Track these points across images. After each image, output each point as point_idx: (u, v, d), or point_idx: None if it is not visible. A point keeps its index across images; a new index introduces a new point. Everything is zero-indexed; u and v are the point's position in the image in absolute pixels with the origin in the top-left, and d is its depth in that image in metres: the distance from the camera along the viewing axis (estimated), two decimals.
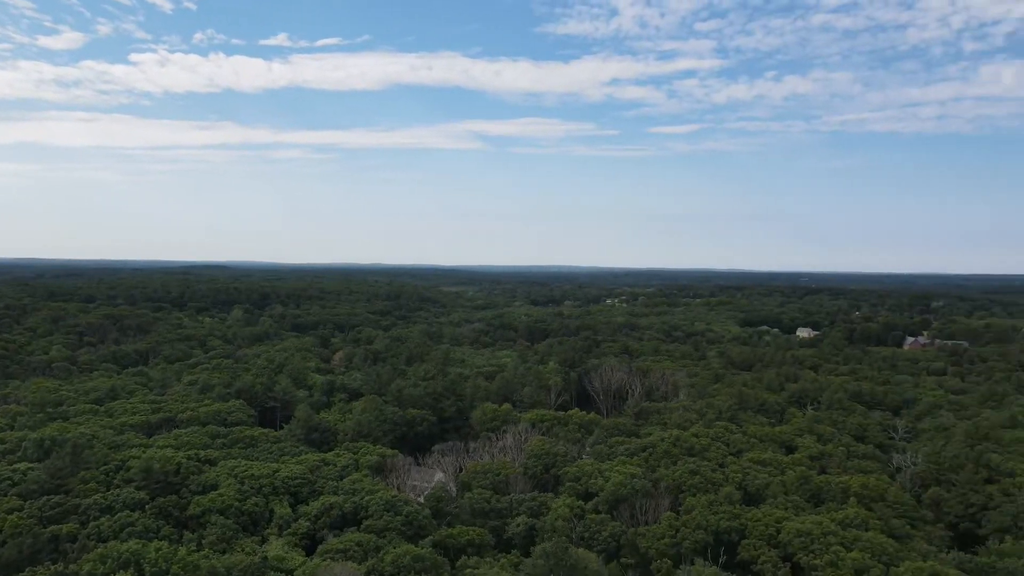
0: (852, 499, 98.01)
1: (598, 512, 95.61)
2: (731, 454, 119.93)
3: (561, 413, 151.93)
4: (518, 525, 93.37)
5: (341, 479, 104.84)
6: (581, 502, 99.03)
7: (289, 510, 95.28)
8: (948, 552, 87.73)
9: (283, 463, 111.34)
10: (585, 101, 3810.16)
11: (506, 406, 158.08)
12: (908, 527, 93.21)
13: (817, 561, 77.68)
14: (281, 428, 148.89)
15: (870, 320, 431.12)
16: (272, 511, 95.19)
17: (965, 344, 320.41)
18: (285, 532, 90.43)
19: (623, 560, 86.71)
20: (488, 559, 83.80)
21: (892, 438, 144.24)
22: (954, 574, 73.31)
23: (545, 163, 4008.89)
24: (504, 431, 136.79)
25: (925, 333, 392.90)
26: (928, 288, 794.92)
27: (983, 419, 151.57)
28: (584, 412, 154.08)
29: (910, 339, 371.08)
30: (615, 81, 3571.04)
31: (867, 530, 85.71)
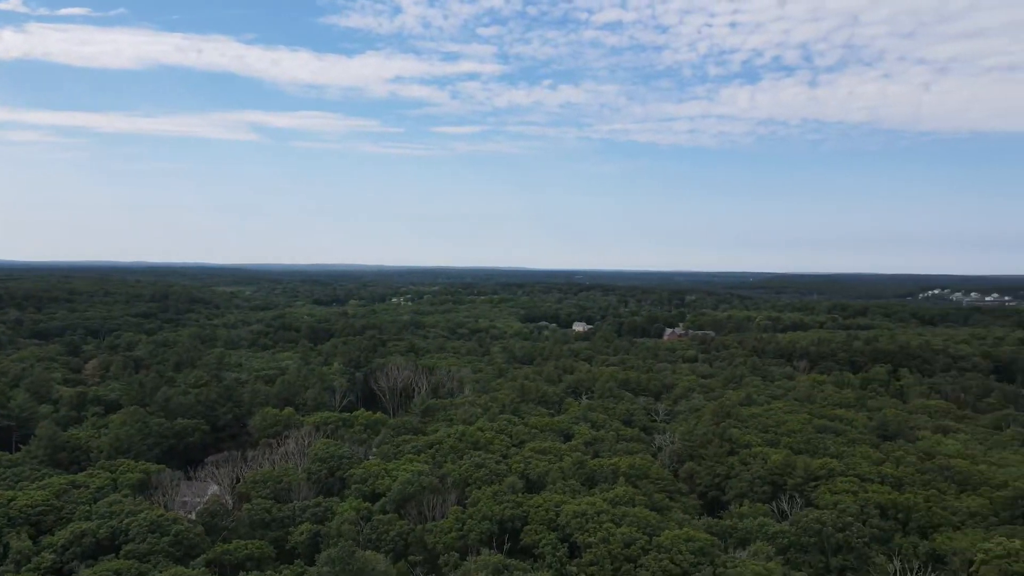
0: (621, 479, 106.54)
1: (385, 512, 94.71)
2: (514, 445, 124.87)
3: (347, 414, 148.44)
4: (302, 533, 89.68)
5: (95, 502, 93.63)
6: (368, 503, 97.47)
7: (29, 543, 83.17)
8: (700, 518, 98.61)
9: (21, 490, 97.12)
10: (369, 97, 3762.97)
11: (288, 410, 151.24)
12: (667, 500, 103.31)
13: (591, 539, 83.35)
14: (18, 450, 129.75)
15: (636, 314, 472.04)
16: (7, 545, 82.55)
17: (712, 334, 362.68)
18: (24, 568, 78.82)
19: (411, 558, 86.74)
20: (269, 572, 79.50)
21: (655, 420, 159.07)
22: (703, 536, 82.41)
23: (329, 159, 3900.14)
24: (286, 436, 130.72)
25: (681, 325, 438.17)
26: (683, 284, 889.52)
27: (726, 399, 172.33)
28: (370, 412, 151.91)
29: (668, 330, 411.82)
30: (399, 78, 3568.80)
31: (634, 506, 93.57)
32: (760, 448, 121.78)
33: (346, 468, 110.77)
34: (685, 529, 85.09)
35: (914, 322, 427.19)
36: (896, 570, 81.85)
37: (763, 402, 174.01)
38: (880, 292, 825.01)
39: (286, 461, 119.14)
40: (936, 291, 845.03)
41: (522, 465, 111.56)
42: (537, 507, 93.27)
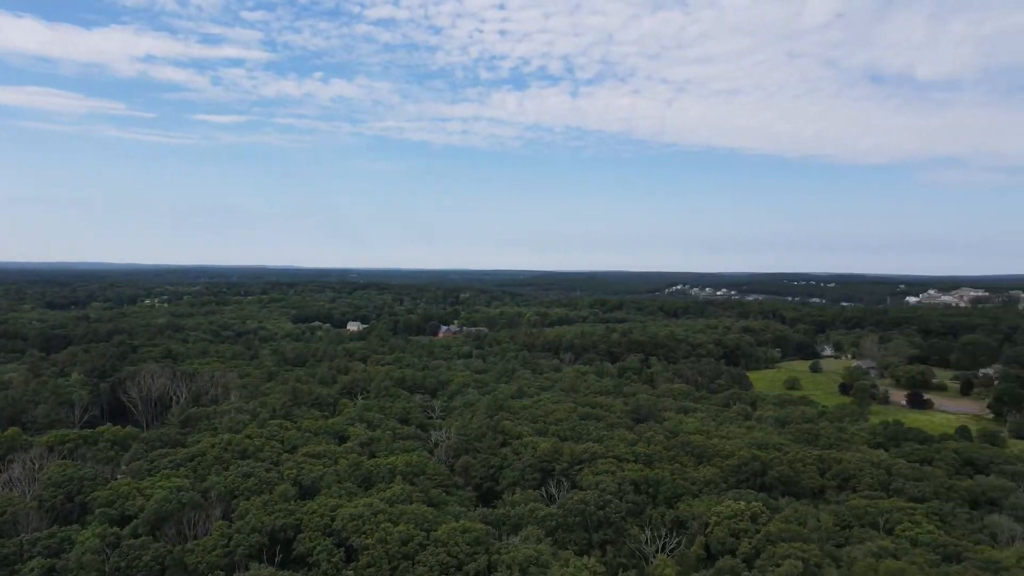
0: (398, 477, 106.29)
1: (137, 536, 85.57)
2: (286, 451, 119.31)
3: (89, 431, 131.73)
4: (32, 570, 78.02)
5: None
6: (116, 528, 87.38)
7: None
8: (475, 509, 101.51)
9: None
10: (113, 76, 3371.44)
11: (13, 430, 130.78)
12: (444, 494, 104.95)
13: (368, 540, 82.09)
14: None
15: (411, 312, 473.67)
16: None
17: (485, 330, 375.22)
18: None
19: None
20: None
21: (431, 417, 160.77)
22: (479, 527, 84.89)
23: (63, 142, 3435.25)
24: (10, 460, 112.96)
25: (455, 322, 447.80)
26: (457, 282, 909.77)
27: (499, 393, 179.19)
28: (119, 427, 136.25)
29: (443, 328, 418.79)
30: (150, 58, 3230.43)
31: (411, 503, 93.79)
32: (530, 438, 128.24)
33: (88, 491, 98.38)
34: (461, 522, 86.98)
35: (661, 315, 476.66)
36: (647, 538, 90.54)
37: (533, 394, 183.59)
38: (634, 288, 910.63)
39: (10, 489, 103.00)
40: (679, 287, 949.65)
41: (295, 471, 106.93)
42: (311, 513, 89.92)
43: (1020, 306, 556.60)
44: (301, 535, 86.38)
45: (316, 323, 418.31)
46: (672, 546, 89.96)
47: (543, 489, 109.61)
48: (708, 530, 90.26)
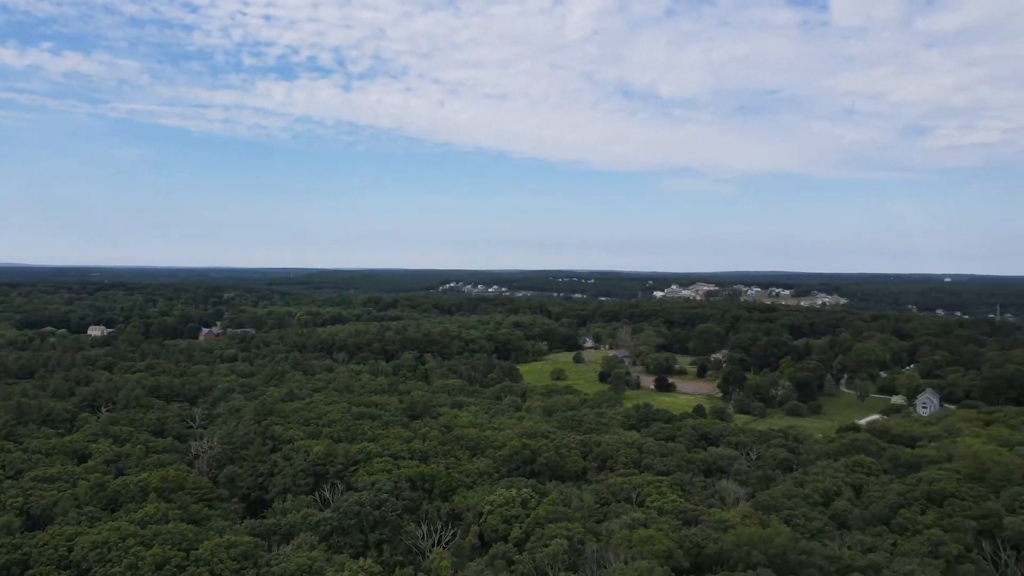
0: (152, 495, 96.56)
1: None
2: (8, 477, 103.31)
3: None
4: None
5: None
6: None
7: None
8: (242, 522, 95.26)
9: None
10: None
11: None
12: (207, 509, 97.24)
13: (116, 569, 73.58)
14: None
15: (167, 314, 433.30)
16: None
17: (252, 331, 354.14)
18: None
19: None
20: None
21: (191, 427, 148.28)
22: (246, 540, 79.75)
23: None
24: None
25: (218, 323, 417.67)
26: (221, 281, 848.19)
27: (268, 396, 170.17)
28: None
29: (205, 330, 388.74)
30: None
31: (168, 523, 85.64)
32: (303, 441, 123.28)
33: None
34: (226, 536, 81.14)
35: (436, 312, 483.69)
36: (423, 533, 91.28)
37: (305, 396, 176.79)
38: (408, 286, 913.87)
39: None
40: (452, 284, 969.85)
41: (20, 499, 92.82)
42: (42, 545, 78.52)
43: (742, 298, 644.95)
44: (29, 572, 75.16)
45: (48, 328, 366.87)
46: (448, 538, 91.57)
47: (317, 493, 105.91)
48: (482, 519, 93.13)
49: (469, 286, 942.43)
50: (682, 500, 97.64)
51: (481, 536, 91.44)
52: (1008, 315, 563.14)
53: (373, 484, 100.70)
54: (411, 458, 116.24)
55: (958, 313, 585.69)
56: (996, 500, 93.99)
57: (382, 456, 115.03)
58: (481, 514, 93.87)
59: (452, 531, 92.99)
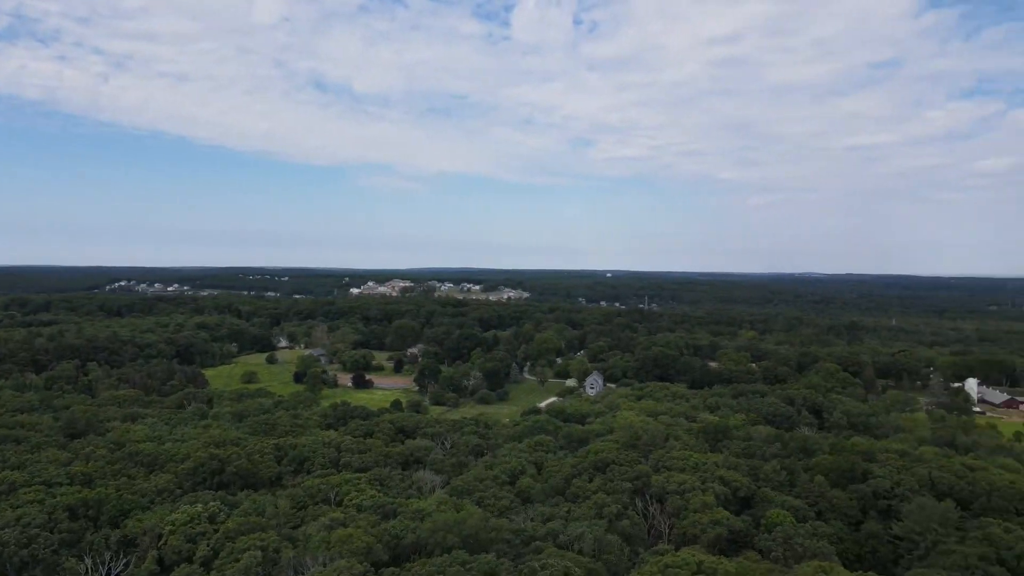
0: None
1: None
2: None
3: None
4: None
5: None
6: None
7: None
8: None
9: None
10: None
11: None
12: None
13: None
14: None
15: None
16: None
17: None
18: None
19: None
20: None
21: None
22: None
23: None
24: None
25: None
26: None
27: None
28: None
29: None
30: None
31: None
32: None
33: None
34: None
35: (101, 314, 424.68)
36: (88, 567, 79.55)
37: None
38: (65, 285, 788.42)
39: None
40: (123, 283, 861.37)
41: None
42: None
43: (436, 294, 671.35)
44: None
45: None
46: (120, 569, 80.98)
47: None
48: (162, 542, 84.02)
49: (144, 285, 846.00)
50: (380, 495, 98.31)
51: (161, 561, 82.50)
52: (654, 304, 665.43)
53: (19, 519, 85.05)
54: (71, 483, 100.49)
55: (617, 304, 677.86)
56: (646, 463, 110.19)
57: (31, 485, 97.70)
58: (161, 536, 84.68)
59: (125, 560, 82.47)
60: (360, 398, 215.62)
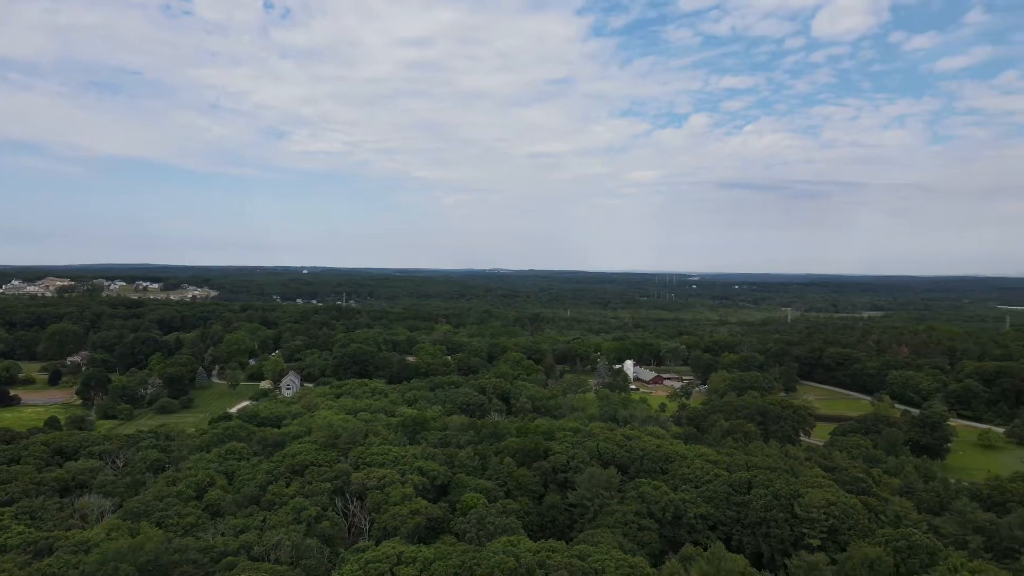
0: None
1: None
2: None
3: None
4: None
5: None
6: None
7: None
8: None
9: None
10: None
11: None
12: None
13: None
14: None
15: None
16: None
17: None
18: None
19: None
20: None
21: None
22: None
23: None
24: None
25: None
26: None
27: None
28: None
29: None
30: None
31: None
32: None
33: None
34: None
35: None
36: None
37: None
38: None
39: None
40: None
41: None
42: None
43: (104, 294, 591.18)
44: None
45: None
46: None
47: None
48: None
49: None
50: (32, 530, 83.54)
51: None
52: (352, 301, 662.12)
53: None
54: None
55: (314, 301, 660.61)
56: (346, 461, 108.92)
57: None
58: None
59: None
60: (3, 418, 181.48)
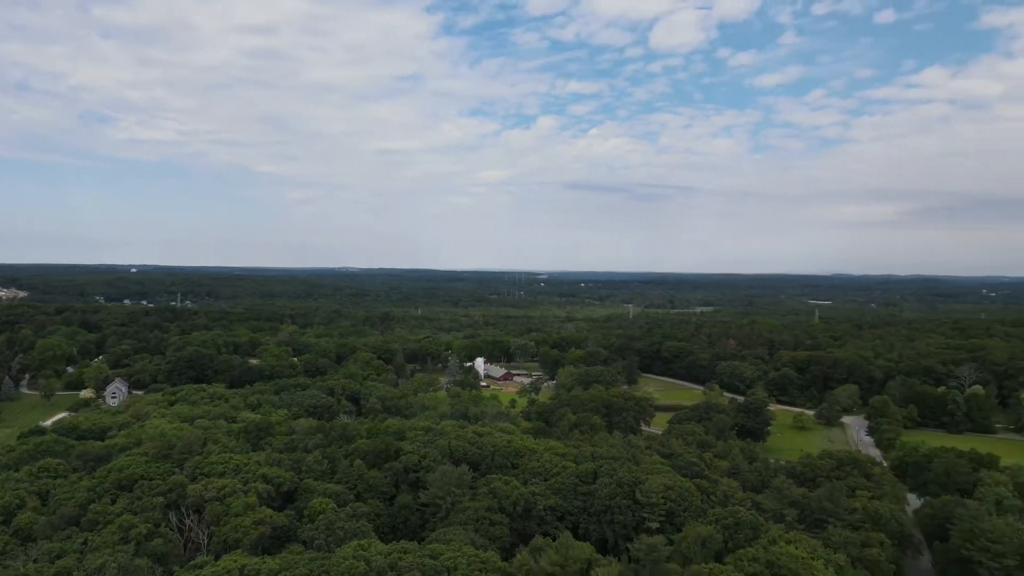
0: None
1: None
2: None
3: None
4: None
5: None
6: None
7: None
8: None
9: None
10: None
11: None
12: None
13: None
14: None
15: None
16: None
17: None
18: None
19: None
20: None
21: None
22: None
23: None
24: None
25: None
26: None
27: None
28: None
29: None
30: None
31: None
32: None
33: None
34: None
35: None
36: None
37: None
38: None
39: None
40: None
41: None
42: None
43: None
44: None
45: None
46: None
47: None
48: None
49: None
50: None
51: None
52: (188, 301, 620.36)
53: None
54: None
55: (144, 302, 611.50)
56: (181, 472, 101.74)
57: None
58: None
59: None
60: None
